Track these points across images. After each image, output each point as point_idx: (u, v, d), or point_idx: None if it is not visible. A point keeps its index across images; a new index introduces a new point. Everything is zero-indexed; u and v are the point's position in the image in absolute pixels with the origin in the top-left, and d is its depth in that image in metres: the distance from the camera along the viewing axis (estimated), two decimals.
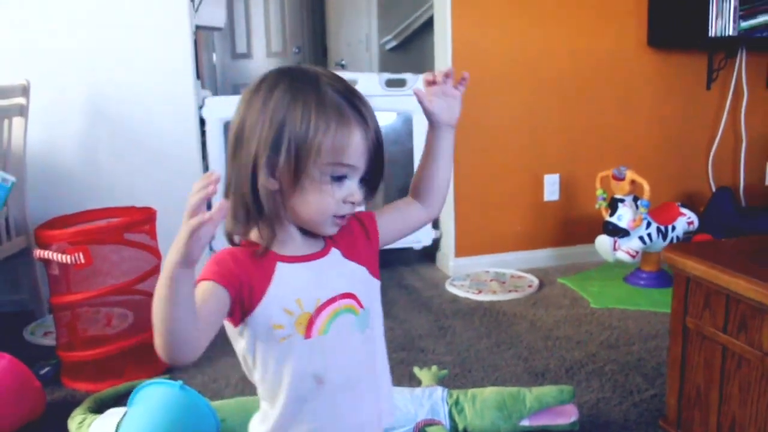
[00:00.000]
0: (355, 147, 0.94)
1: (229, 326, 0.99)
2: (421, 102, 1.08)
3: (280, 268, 0.97)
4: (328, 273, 1.01)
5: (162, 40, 3.03)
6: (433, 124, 1.12)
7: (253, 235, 0.99)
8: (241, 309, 0.95)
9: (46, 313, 2.92)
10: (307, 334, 0.97)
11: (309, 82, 0.95)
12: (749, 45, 3.56)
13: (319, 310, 0.98)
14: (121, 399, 2.11)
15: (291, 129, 0.92)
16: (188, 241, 0.81)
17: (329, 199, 0.95)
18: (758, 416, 1.58)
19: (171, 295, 0.83)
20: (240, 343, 1.00)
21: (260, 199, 0.94)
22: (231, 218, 0.98)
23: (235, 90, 6.41)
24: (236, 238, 1.01)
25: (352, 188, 0.96)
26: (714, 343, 1.70)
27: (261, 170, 0.93)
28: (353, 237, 1.05)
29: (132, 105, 3.04)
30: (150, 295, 2.35)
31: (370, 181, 0.99)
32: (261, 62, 6.50)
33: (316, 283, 0.99)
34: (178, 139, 3.10)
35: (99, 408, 2.02)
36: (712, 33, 3.27)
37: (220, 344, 2.51)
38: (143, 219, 2.36)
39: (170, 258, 0.83)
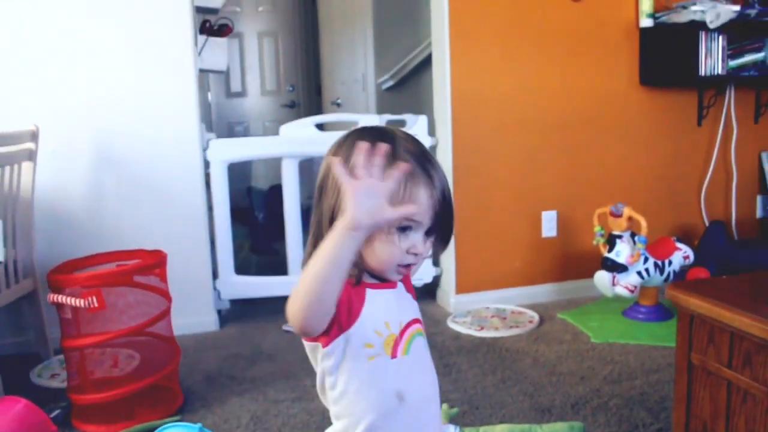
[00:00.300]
0: (422, 205, 1.03)
1: (316, 346, 1.06)
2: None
3: (370, 293, 1.07)
4: (401, 300, 1.13)
5: (167, 85, 3.10)
6: None
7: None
8: (338, 327, 1.03)
9: (52, 355, 2.94)
10: (393, 354, 1.06)
11: (386, 140, 1.02)
12: (737, 83, 3.67)
13: (402, 332, 1.08)
14: None
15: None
16: (355, 202, 0.91)
17: (395, 249, 1.04)
18: None
19: (333, 256, 0.92)
20: (326, 362, 1.06)
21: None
22: (309, 254, 1.06)
23: (229, 127, 6.48)
24: None
25: (416, 240, 1.05)
26: (719, 378, 1.75)
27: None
28: (405, 278, 1.15)
29: (138, 149, 3.10)
30: (160, 337, 2.39)
31: (438, 234, 1.08)
32: (255, 100, 6.57)
33: (397, 308, 1.11)
34: (184, 182, 3.16)
35: None
36: (702, 72, 3.37)
37: (229, 385, 2.55)
38: (155, 262, 2.40)
39: (340, 222, 0.92)
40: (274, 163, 3.51)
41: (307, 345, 1.07)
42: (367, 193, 0.91)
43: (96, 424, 2.31)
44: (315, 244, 1.03)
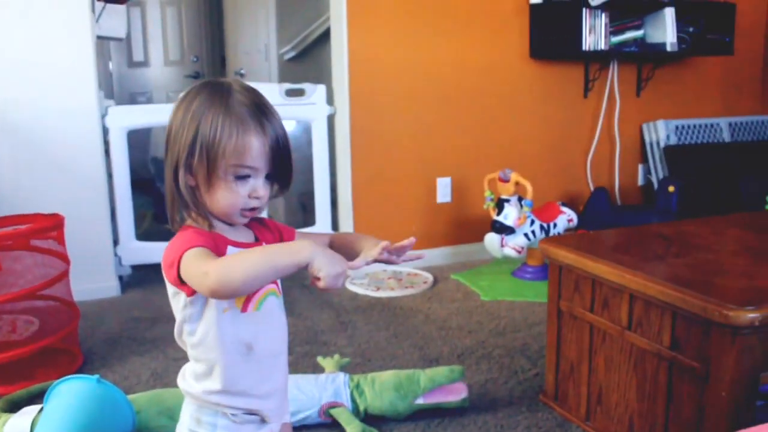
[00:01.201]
0: (254, 151, 1.10)
1: (179, 294, 1.12)
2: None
3: (230, 251, 1.13)
4: None
5: (64, 52, 3.07)
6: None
7: (190, 222, 1.15)
8: None
9: None
10: (244, 308, 1.13)
11: (222, 94, 1.11)
12: (620, 58, 3.90)
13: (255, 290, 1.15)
14: (33, 399, 2.17)
15: (203, 134, 1.09)
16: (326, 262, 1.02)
17: (236, 196, 1.11)
18: (620, 383, 1.82)
19: (276, 270, 1.02)
20: (187, 310, 1.13)
21: (182, 193, 1.11)
22: (169, 208, 1.15)
23: (132, 98, 6.37)
24: (176, 226, 1.16)
25: (256, 185, 1.11)
26: (583, 322, 1.93)
27: (181, 169, 1.10)
28: (274, 238, 1.23)
29: (35, 116, 3.06)
30: (58, 299, 2.41)
31: (280, 180, 1.16)
32: (158, 70, 6.49)
33: None
34: (82, 149, 3.14)
35: (12, 408, 2.07)
36: (585, 47, 3.57)
37: (129, 345, 2.60)
38: (51, 225, 2.41)
39: (303, 255, 1.02)
40: None
41: (171, 291, 1.14)
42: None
43: None
44: (171, 196, 1.13)
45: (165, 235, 3.62)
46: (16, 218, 2.55)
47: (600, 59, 3.86)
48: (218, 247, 1.10)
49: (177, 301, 1.14)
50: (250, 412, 1.17)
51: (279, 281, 1.20)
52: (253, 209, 1.13)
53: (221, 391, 1.14)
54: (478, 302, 3.04)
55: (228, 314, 1.12)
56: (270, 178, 1.14)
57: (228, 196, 1.10)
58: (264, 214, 1.25)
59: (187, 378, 1.19)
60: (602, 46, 3.62)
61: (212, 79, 1.16)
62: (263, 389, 1.17)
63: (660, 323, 1.66)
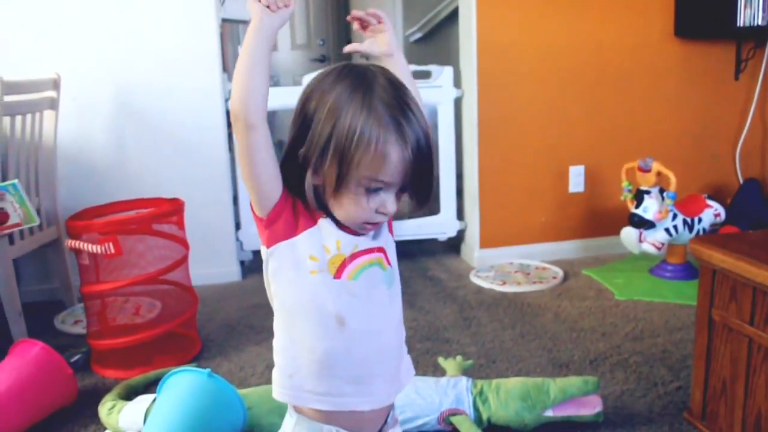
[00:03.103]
0: (392, 165, 0.97)
1: (263, 249, 1.05)
2: (360, 51, 1.23)
3: (322, 221, 1.04)
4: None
5: (189, 34, 3.07)
6: (381, 59, 1.22)
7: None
8: (286, 224, 1.02)
9: (76, 302, 2.98)
10: (337, 275, 1.03)
11: (365, 87, 0.99)
12: None
13: (354, 256, 1.04)
14: (150, 386, 2.16)
15: (338, 137, 0.97)
16: (260, 13, 0.99)
17: (363, 209, 1.00)
18: None
19: (250, 50, 0.98)
20: (269, 264, 1.05)
21: (305, 189, 1.02)
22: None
23: None
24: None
25: (385, 200, 1.00)
26: (740, 335, 1.70)
27: (310, 167, 1.00)
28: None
29: (160, 98, 3.08)
30: (178, 285, 2.40)
31: (413, 192, 1.04)
32: (286, 55, 6.52)
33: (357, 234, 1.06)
34: (205, 132, 3.15)
35: (128, 395, 2.07)
36: (740, 23, 3.24)
37: (246, 333, 2.56)
38: (172, 210, 2.39)
39: (250, 28, 0.99)
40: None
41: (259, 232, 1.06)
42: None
43: (114, 369, 2.33)
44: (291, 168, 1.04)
45: None
46: (139, 202, 2.57)
47: (755, 36, 3.50)
48: (305, 212, 1.04)
49: (262, 252, 1.06)
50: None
51: (388, 252, 1.09)
52: (375, 224, 1.05)
53: (291, 374, 1.05)
54: (613, 301, 2.82)
55: (317, 277, 1.02)
56: (404, 189, 1.02)
57: (354, 209, 1.01)
58: None
59: (274, 373, 1.10)
60: (759, 21, 3.27)
61: (355, 64, 1.04)
62: (356, 372, 1.06)
63: None
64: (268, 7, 0.99)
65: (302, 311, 1.04)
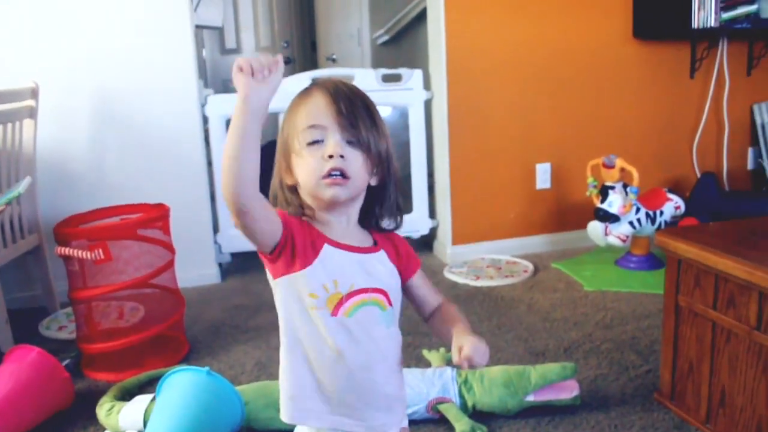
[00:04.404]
0: (317, 108, 1.07)
1: (269, 276, 1.11)
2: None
3: (326, 249, 1.08)
4: (370, 267, 1.12)
5: (164, 41, 3.12)
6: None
7: (291, 209, 1.13)
8: (288, 260, 1.07)
9: (58, 309, 3.01)
10: (335, 312, 1.07)
11: (343, 90, 1.10)
12: (730, 35, 3.70)
13: (351, 294, 1.08)
14: (143, 387, 2.23)
15: (283, 127, 1.13)
16: (247, 89, 0.96)
17: (308, 161, 1.06)
18: (746, 386, 1.71)
19: (239, 129, 0.95)
20: (275, 294, 1.11)
21: (286, 195, 1.13)
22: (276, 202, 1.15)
23: (224, 85, 6.47)
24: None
25: (328, 145, 1.06)
26: (704, 319, 1.83)
27: (283, 173, 1.13)
28: (398, 252, 1.18)
29: (137, 105, 3.13)
30: (166, 289, 2.46)
31: (362, 143, 1.08)
32: (250, 56, 6.54)
33: (357, 272, 1.10)
34: (182, 136, 3.20)
35: (123, 396, 2.13)
36: (695, 24, 3.40)
37: (232, 334, 2.63)
38: (158, 215, 2.45)
39: (237, 104, 0.97)
40: (269, 120, 3.54)
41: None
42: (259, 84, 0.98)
43: (106, 372, 2.38)
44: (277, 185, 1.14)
45: None
46: (123, 208, 2.62)
47: (709, 37, 3.67)
48: (311, 239, 1.07)
49: (272, 286, 1.12)
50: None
51: (390, 295, 1.13)
52: (335, 175, 1.05)
53: (301, 395, 1.10)
54: (582, 292, 2.95)
55: (317, 314, 1.07)
56: (352, 143, 1.07)
57: (303, 166, 1.07)
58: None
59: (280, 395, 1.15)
60: (712, 23, 3.43)
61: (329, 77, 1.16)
62: (351, 400, 1.11)
63: None
64: (252, 76, 0.96)
65: (304, 341, 1.09)
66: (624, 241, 3.12)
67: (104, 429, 2.00)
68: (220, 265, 3.42)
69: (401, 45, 4.54)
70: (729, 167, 3.91)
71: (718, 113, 3.84)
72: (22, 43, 3.00)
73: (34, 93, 2.85)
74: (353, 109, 1.07)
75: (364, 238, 1.15)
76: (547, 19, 3.45)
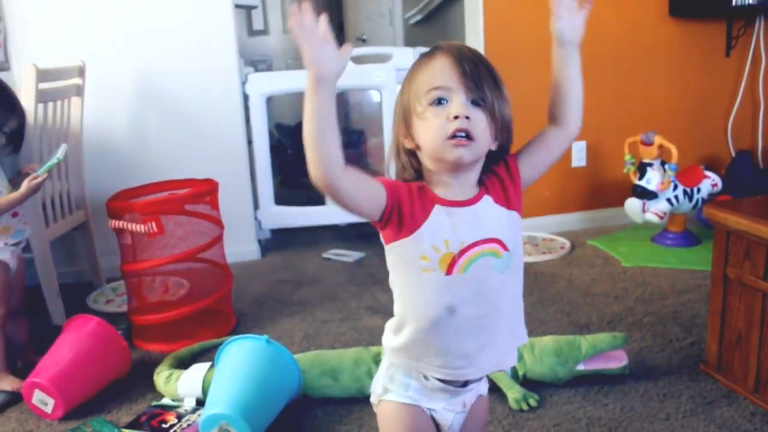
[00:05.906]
0: (441, 69, 1.05)
1: (383, 241, 1.12)
2: (554, 16, 1.19)
3: (437, 210, 1.07)
4: (478, 218, 1.09)
5: (206, 21, 3.17)
6: (558, 43, 1.22)
7: (408, 174, 1.14)
8: (395, 227, 1.07)
9: (104, 283, 3.08)
10: (449, 271, 1.06)
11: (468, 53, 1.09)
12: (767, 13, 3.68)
13: (463, 251, 1.06)
14: (196, 357, 2.28)
15: (402, 92, 1.11)
16: (312, 56, 0.93)
17: (431, 123, 1.05)
18: None
19: (313, 111, 0.95)
20: (388, 258, 1.13)
21: (403, 162, 1.13)
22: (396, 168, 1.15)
23: (253, 66, 6.48)
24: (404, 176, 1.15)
25: (453, 106, 1.04)
26: (754, 290, 1.86)
27: (401, 136, 1.12)
28: (503, 183, 1.15)
29: (180, 84, 3.18)
30: (214, 263, 2.51)
31: (487, 105, 1.07)
32: (277, 38, 6.58)
33: (466, 227, 1.08)
34: (223, 114, 3.25)
35: (179, 365, 2.18)
36: (732, 2, 3.39)
37: (277, 308, 2.68)
38: (207, 190, 2.50)
39: (308, 82, 0.95)
40: (299, 99, 3.57)
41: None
42: (319, 43, 0.93)
43: (157, 342, 2.44)
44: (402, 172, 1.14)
45: (301, 200, 3.67)
46: (171, 183, 2.66)
47: (746, 15, 3.66)
48: (422, 204, 1.07)
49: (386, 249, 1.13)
50: (441, 380, 1.13)
51: (504, 240, 1.10)
52: (458, 137, 1.03)
53: (407, 348, 1.12)
54: (620, 268, 2.98)
55: (429, 276, 1.06)
56: (476, 102, 1.06)
57: (426, 128, 1.05)
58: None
59: (386, 331, 1.18)
60: (750, 0, 3.42)
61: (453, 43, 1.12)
62: (464, 350, 1.11)
63: None
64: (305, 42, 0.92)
65: (415, 302, 1.10)
66: (661, 217, 3.13)
67: (162, 396, 2.06)
68: (259, 241, 3.47)
69: (434, 25, 4.54)
70: (764, 145, 3.90)
71: (754, 92, 3.83)
72: (69, 23, 3.05)
73: (81, 71, 2.90)
74: (478, 71, 1.06)
75: (469, 189, 1.12)
76: None
